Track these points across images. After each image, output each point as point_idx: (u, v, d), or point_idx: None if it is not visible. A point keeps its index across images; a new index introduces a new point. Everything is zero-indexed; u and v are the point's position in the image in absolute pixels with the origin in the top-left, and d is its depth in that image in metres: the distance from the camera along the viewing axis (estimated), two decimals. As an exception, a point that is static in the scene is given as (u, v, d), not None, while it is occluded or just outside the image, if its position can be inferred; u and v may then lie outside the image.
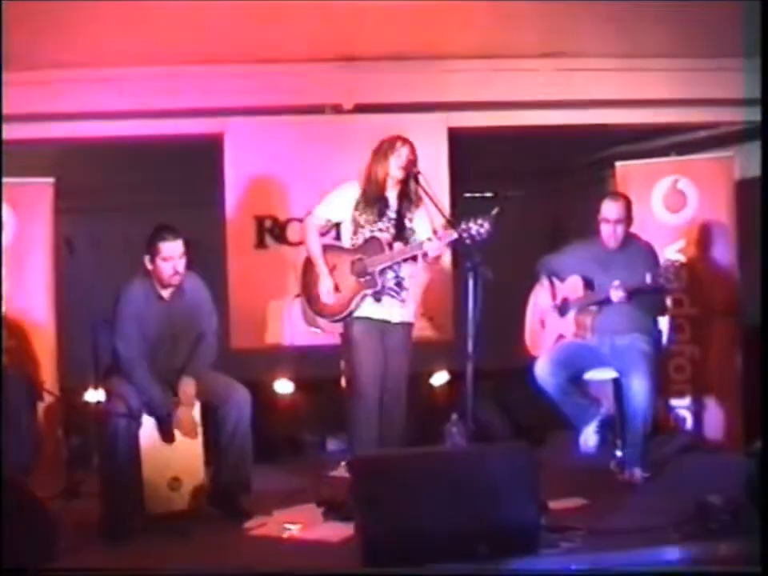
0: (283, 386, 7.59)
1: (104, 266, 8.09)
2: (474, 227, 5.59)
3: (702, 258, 7.29)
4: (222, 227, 7.48)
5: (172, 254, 5.63)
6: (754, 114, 7.36)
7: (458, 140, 7.70)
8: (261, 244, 7.54)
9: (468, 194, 9.11)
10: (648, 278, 5.89)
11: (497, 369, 6.92)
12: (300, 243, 7.24)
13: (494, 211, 5.56)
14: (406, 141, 5.98)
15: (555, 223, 10.05)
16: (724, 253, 7.29)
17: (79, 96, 7.13)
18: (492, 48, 7.26)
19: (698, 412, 7.27)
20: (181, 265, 5.67)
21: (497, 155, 8.65)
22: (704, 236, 7.32)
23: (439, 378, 7.89)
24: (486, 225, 5.58)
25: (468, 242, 5.60)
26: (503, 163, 9.10)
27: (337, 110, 7.52)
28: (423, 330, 6.61)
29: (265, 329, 7.48)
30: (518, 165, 9.33)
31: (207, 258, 6.45)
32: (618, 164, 7.69)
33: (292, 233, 7.48)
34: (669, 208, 7.48)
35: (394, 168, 5.94)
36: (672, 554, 4.80)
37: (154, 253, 5.63)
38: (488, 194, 9.78)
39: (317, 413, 7.44)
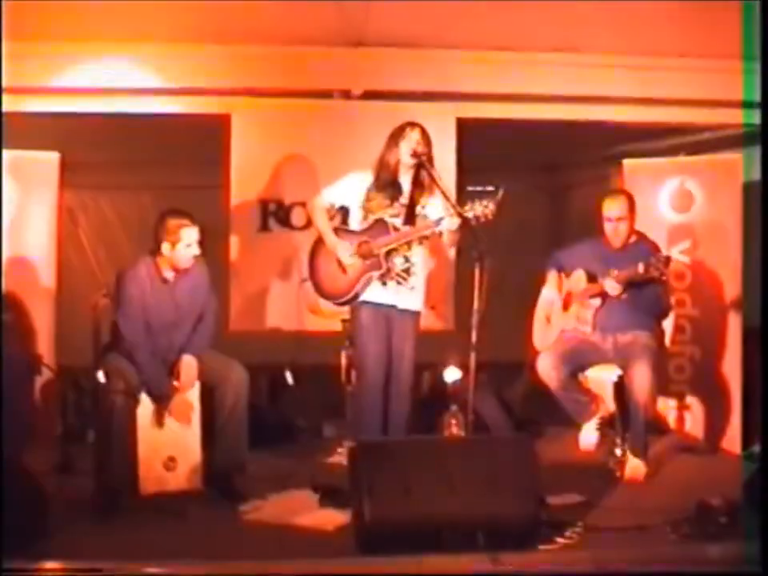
0: (280, 370, 7.54)
1: (107, 243, 8.13)
2: (479, 208, 5.55)
3: (706, 258, 7.24)
4: (226, 209, 7.42)
5: (192, 240, 5.65)
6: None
7: (467, 131, 7.64)
8: (264, 227, 7.48)
9: (471, 188, 9.07)
10: (640, 268, 5.88)
11: (499, 362, 6.89)
12: (304, 227, 7.28)
13: (500, 193, 5.53)
14: (415, 125, 5.93)
15: (560, 218, 10.06)
16: (729, 254, 7.24)
17: (87, 71, 7.04)
18: (504, 40, 7.19)
19: (696, 413, 7.23)
20: (198, 249, 5.68)
21: (505, 148, 8.60)
22: (710, 237, 7.27)
23: (439, 369, 7.83)
24: (491, 206, 5.54)
25: (473, 222, 5.56)
26: (511, 156, 9.06)
27: (346, 95, 7.46)
28: (425, 319, 6.52)
29: (264, 312, 7.44)
30: (526, 159, 9.30)
31: (210, 239, 6.38)
32: (626, 162, 7.64)
33: (296, 217, 7.44)
34: (676, 208, 7.43)
35: (405, 153, 5.88)
36: (670, 553, 4.78)
37: (175, 239, 5.61)
38: (490, 188, 9.75)
39: (314, 398, 7.40)
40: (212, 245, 6.40)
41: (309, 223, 7.07)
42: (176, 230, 5.61)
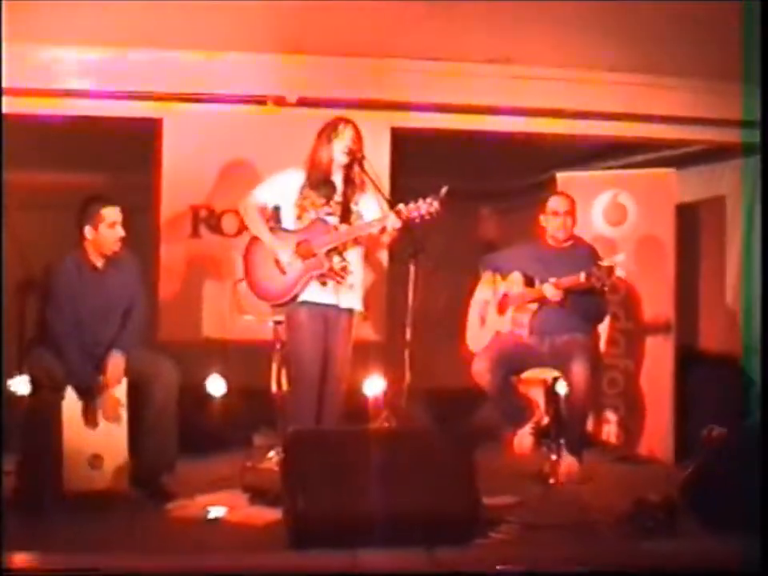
0: (209, 379, 7.36)
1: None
2: (423, 206, 5.49)
3: (639, 272, 7.23)
4: (156, 215, 7.30)
5: (116, 219, 5.56)
6: (697, 134, 7.57)
7: (401, 152, 7.60)
8: (195, 234, 7.37)
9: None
10: (582, 276, 5.86)
11: (433, 366, 6.84)
12: (235, 235, 7.18)
13: (443, 190, 5.47)
14: (348, 122, 5.86)
15: (489, 245, 10.03)
16: (662, 268, 7.25)
17: (16, 71, 6.89)
18: (440, 50, 7.18)
19: (629, 425, 7.21)
20: (122, 231, 5.57)
21: (437, 171, 8.56)
22: (643, 251, 7.28)
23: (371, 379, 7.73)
24: (436, 204, 5.48)
25: (418, 221, 5.50)
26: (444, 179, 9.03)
27: (279, 102, 7.38)
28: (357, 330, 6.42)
29: (194, 320, 7.30)
30: (462, 180, 9.27)
31: (139, 246, 6.25)
32: (560, 175, 7.63)
33: (227, 224, 7.32)
34: (609, 221, 7.44)
35: (338, 151, 5.81)
36: (606, 549, 4.73)
37: (96, 221, 5.52)
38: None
39: (244, 406, 7.23)
40: (141, 251, 6.29)
41: (240, 230, 7.00)
42: (96, 211, 5.53)
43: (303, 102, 7.34)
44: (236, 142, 7.37)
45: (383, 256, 7.38)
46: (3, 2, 6.04)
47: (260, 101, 7.39)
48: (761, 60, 5.73)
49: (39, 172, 8.26)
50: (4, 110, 6.92)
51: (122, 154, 7.59)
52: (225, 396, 7.21)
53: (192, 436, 6.34)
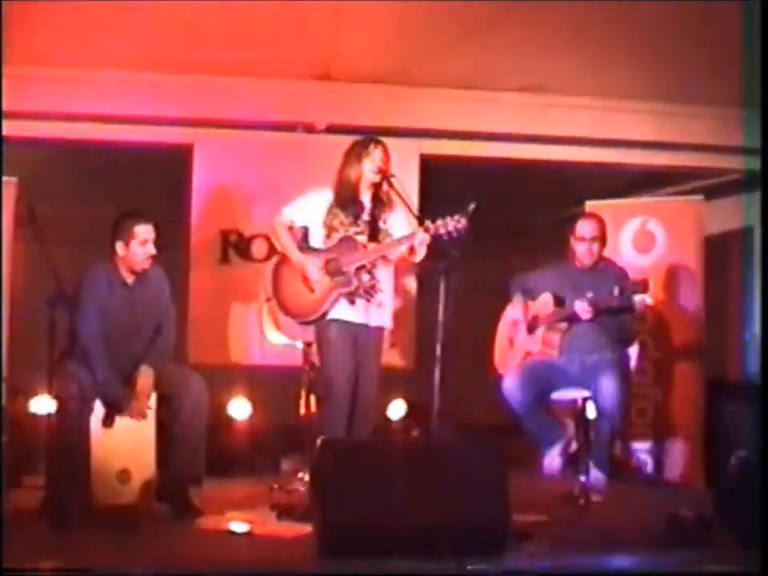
0: (238, 404, 7.37)
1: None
2: (451, 223, 5.47)
3: (668, 300, 7.21)
4: (187, 240, 7.35)
5: (147, 237, 5.55)
6: (727, 162, 7.57)
7: (430, 182, 7.62)
8: (225, 258, 7.43)
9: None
10: (615, 291, 5.81)
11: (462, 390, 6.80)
12: (264, 260, 7.19)
13: (471, 207, 5.45)
14: (378, 142, 5.86)
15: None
16: (690, 296, 7.23)
17: (48, 96, 6.98)
18: (471, 78, 7.24)
19: (659, 454, 7.15)
20: (153, 249, 5.57)
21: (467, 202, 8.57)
22: (671, 278, 7.26)
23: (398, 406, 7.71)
24: (464, 221, 5.45)
25: (445, 238, 5.48)
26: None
27: (309, 129, 7.43)
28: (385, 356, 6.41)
29: (223, 345, 7.32)
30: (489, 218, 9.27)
31: (169, 270, 6.26)
32: (588, 203, 7.60)
33: (257, 249, 7.39)
34: (637, 248, 7.41)
35: (368, 171, 5.81)
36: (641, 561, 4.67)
37: (128, 237, 5.53)
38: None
39: (272, 431, 7.24)
40: (171, 276, 6.30)
41: (269, 255, 7.03)
42: (128, 228, 5.54)
43: (332, 129, 7.39)
44: (266, 167, 7.46)
45: (411, 283, 7.40)
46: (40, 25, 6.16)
47: (290, 127, 7.45)
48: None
49: (70, 201, 8.33)
50: (34, 135, 7.04)
51: (152, 180, 7.65)
52: (252, 420, 7.21)
53: (220, 459, 6.37)
